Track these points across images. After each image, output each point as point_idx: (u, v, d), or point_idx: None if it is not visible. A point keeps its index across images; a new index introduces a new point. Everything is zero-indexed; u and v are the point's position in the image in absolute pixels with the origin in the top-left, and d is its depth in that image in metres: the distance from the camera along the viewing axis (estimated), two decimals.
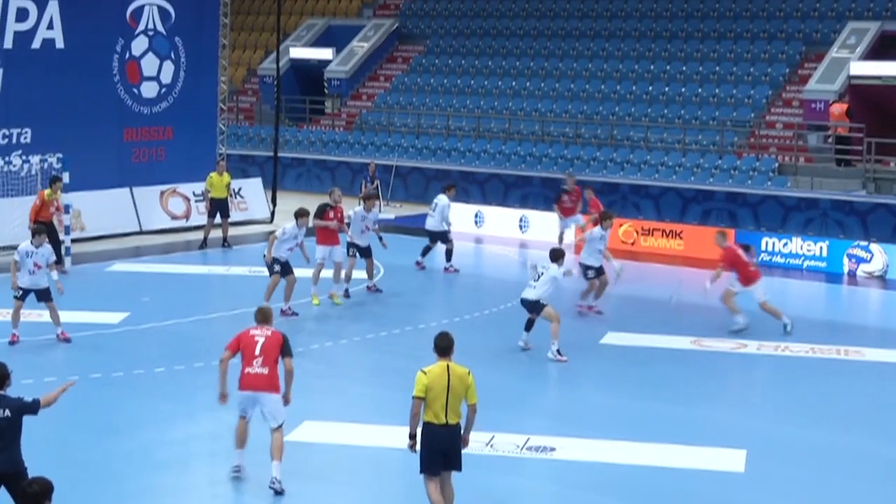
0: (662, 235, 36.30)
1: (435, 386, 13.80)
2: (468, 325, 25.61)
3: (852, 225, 35.65)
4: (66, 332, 22.64)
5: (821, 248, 34.00)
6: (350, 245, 27.45)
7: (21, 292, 22.31)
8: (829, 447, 18.37)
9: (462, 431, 14.11)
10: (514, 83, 46.60)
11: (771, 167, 39.15)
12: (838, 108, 39.56)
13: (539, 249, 35.59)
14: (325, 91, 51.42)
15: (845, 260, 33.25)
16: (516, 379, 21.08)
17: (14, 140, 33.49)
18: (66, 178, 30.47)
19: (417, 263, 31.81)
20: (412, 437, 14.04)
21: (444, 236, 31.63)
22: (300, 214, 24.92)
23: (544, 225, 37.15)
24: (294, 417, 18.26)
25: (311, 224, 25.59)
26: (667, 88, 43.40)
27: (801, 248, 34.18)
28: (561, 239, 34.54)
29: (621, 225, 36.30)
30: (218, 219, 33.56)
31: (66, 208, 30.50)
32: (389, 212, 41.57)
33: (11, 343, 22.19)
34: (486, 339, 24.33)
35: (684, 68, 43.91)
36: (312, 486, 15.89)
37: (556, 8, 49.29)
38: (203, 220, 34.52)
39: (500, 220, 38.27)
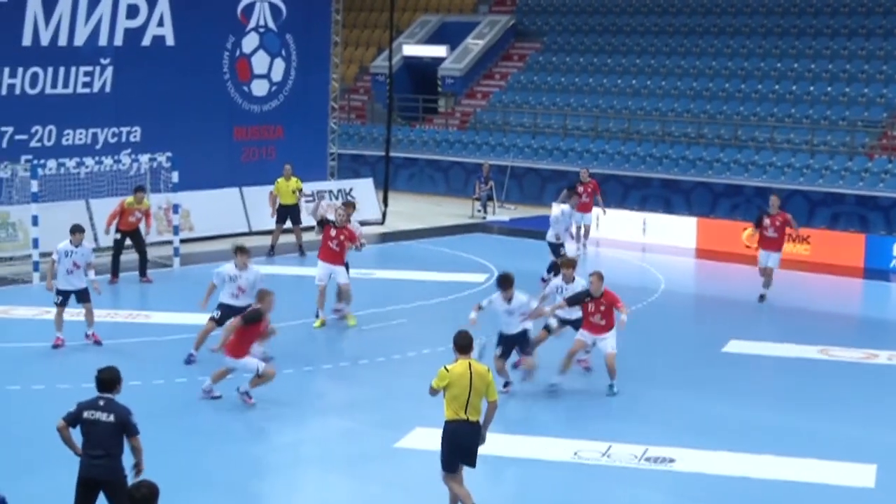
0: (788, 240, 35.86)
1: (456, 384, 14.09)
2: None
3: None
4: (98, 334, 22.49)
5: None
6: None
7: (60, 297, 22.12)
8: None
9: (481, 428, 14.39)
10: (633, 81, 46.37)
11: None
12: None
13: (660, 254, 35.49)
14: (439, 89, 51.52)
15: None
16: (634, 387, 20.95)
17: (124, 138, 34.02)
18: (174, 177, 30.82)
19: (543, 280, 28.55)
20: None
21: (556, 250, 29.50)
22: (238, 251, 21.60)
23: (665, 228, 36.95)
24: (406, 424, 18.37)
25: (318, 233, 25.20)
26: (794, 87, 42.92)
27: None
28: (577, 236, 34.45)
29: (745, 229, 35.94)
30: (289, 224, 33.38)
31: (175, 208, 30.84)
32: (503, 214, 41.58)
33: (55, 346, 22.12)
34: None
35: (813, 66, 43.38)
36: (420, 492, 15.88)
37: (678, 4, 48.95)
38: (311, 221, 34.56)
39: (619, 223, 38.04)
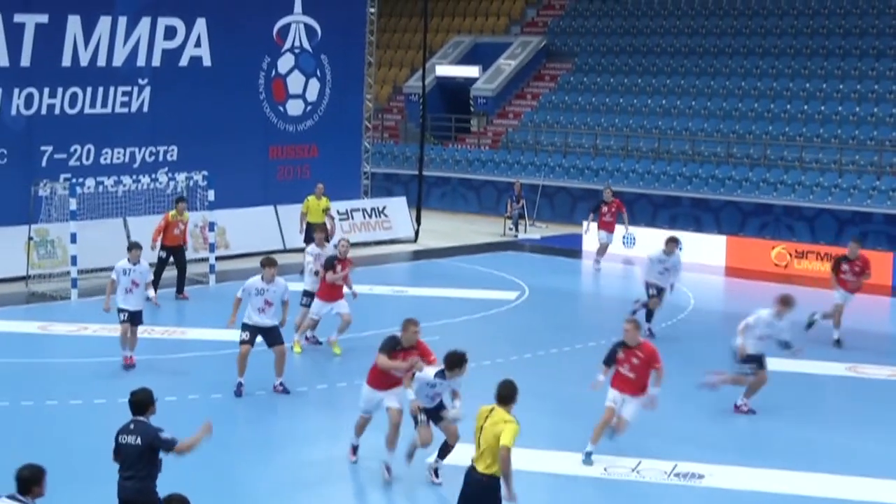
0: (817, 258, 35.71)
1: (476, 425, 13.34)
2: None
3: None
4: (135, 357, 22.10)
5: None
6: (305, 294, 24.40)
7: (125, 315, 21.77)
8: None
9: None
10: (663, 101, 46.27)
11: None
12: None
13: (689, 272, 35.33)
14: (472, 109, 51.55)
15: None
16: (664, 404, 20.83)
17: (161, 157, 34.14)
18: (210, 195, 30.89)
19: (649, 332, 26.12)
20: None
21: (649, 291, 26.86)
22: (266, 264, 21.12)
23: (695, 246, 36.79)
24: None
25: (325, 277, 23.41)
26: (823, 107, 42.75)
27: None
28: (603, 251, 34.54)
29: (774, 247, 35.84)
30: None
31: (211, 226, 30.90)
32: (535, 232, 41.51)
33: (127, 367, 21.90)
34: None
35: (842, 86, 43.21)
36: None
37: (708, 25, 48.85)
38: (360, 237, 34.58)
39: (650, 241, 37.87)
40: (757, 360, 21.00)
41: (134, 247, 22.33)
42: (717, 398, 21.91)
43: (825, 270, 34.59)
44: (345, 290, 23.77)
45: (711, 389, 20.74)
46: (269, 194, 36.09)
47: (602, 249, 35.16)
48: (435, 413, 16.61)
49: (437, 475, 16.71)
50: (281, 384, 20.79)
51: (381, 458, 16.77)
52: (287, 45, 37.24)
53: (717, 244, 37.24)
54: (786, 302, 21.29)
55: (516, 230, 41.34)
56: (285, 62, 37.29)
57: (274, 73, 37.00)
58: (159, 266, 28.59)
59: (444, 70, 52.19)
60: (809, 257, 35.77)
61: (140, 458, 12.39)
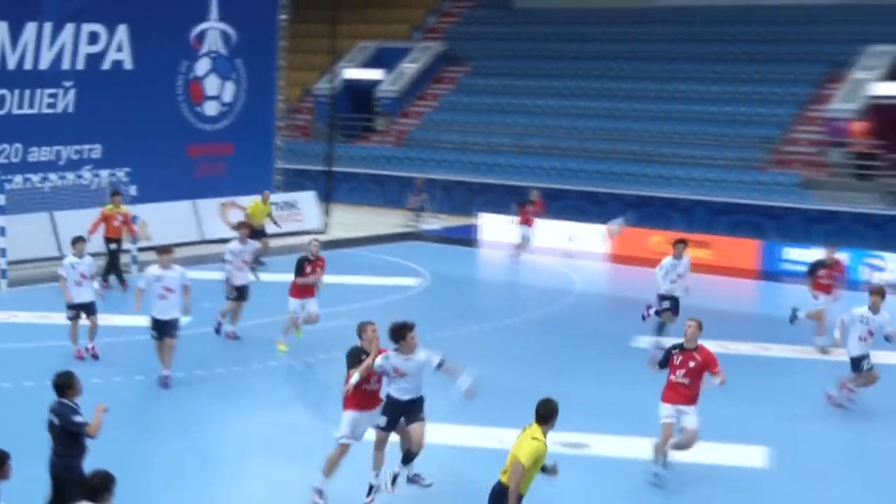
0: (692, 246, 36.18)
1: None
2: (506, 330, 25.63)
3: (870, 236, 35.46)
4: (97, 349, 21.57)
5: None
6: (233, 287, 23.76)
7: (72, 312, 21.35)
8: (848, 444, 18.25)
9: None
10: (553, 102, 46.59)
11: (795, 181, 38.99)
12: (859, 127, 39.45)
13: (578, 259, 35.68)
14: (376, 109, 51.55)
15: (863, 269, 33.11)
16: (552, 379, 21.03)
17: (85, 155, 33.78)
18: (133, 190, 30.68)
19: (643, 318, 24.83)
20: None
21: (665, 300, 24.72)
22: (162, 252, 20.63)
23: (583, 236, 37.19)
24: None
25: (296, 280, 22.87)
26: (697, 107, 43.31)
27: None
28: (523, 244, 34.70)
29: (652, 236, 36.29)
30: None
31: (134, 219, 30.72)
32: (435, 223, 41.66)
33: (79, 358, 21.25)
34: (529, 344, 24.38)
35: (714, 88, 43.81)
36: (363, 480, 15.88)
37: (595, 31, 49.28)
38: (273, 228, 34.39)
39: (543, 232, 38.16)
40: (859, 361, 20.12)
41: (78, 241, 21.82)
42: (600, 374, 22.16)
43: (700, 257, 35.14)
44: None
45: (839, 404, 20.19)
46: (188, 190, 35.86)
47: (522, 244, 35.25)
48: (410, 409, 14.70)
49: (393, 483, 14.78)
50: (166, 376, 20.02)
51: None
52: (204, 49, 37.05)
53: (601, 233, 37.63)
54: (880, 293, 20.41)
55: (418, 222, 41.45)
56: (202, 66, 37.11)
57: (192, 76, 36.80)
58: (112, 258, 28.30)
59: (351, 73, 52.13)
60: (688, 245, 36.21)
61: (60, 437, 12.31)
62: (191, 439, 17.62)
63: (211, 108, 37.51)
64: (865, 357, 20.05)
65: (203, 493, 15.53)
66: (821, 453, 17.89)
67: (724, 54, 45.22)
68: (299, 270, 22.83)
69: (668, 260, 24.58)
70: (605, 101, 45.54)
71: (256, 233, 33.12)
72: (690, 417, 15.99)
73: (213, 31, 37.22)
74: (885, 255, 33.59)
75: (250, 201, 33.80)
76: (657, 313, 24.10)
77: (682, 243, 24.99)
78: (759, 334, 25.94)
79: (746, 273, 34.77)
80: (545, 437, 12.21)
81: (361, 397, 14.91)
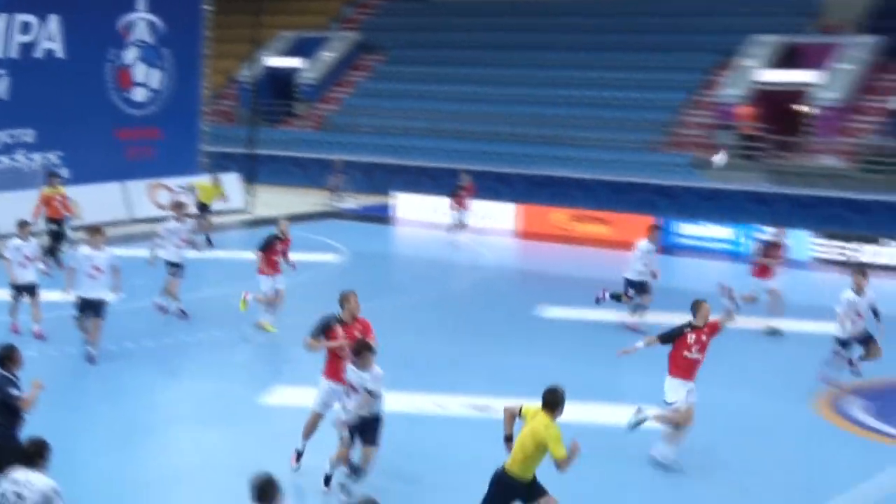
0: (593, 222, 36.63)
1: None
2: (423, 302, 25.75)
3: (757, 211, 35.97)
4: (43, 330, 21.07)
5: (730, 232, 34.54)
6: (169, 264, 23.27)
7: (15, 292, 21.03)
8: (719, 404, 18.51)
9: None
10: (465, 89, 46.65)
11: (687, 162, 39.47)
12: (745, 111, 40.04)
13: (488, 235, 35.86)
14: (297, 96, 51.35)
15: (750, 242, 33.63)
16: (462, 345, 21.16)
17: (19, 140, 33.40)
18: (65, 173, 30.39)
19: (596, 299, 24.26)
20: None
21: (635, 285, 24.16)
22: (92, 232, 20.19)
23: (492, 214, 37.44)
24: (268, 384, 18.42)
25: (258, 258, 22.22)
26: (602, 93, 43.55)
27: (714, 233, 34.73)
28: (459, 226, 34.92)
29: (557, 213, 36.67)
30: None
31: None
32: (353, 203, 41.64)
33: (14, 332, 20.77)
34: (440, 314, 24.52)
35: (613, 75, 44.08)
36: (285, 441, 15.94)
37: (504, 23, 49.42)
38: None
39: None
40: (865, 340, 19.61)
41: (24, 224, 21.47)
42: (506, 341, 22.33)
43: (600, 232, 35.59)
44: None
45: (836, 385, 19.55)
46: (118, 172, 35.55)
47: (457, 226, 35.44)
48: (364, 428, 13.75)
49: (326, 483, 13.91)
50: (91, 352, 19.66)
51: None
52: (132, 38, 36.74)
53: (509, 211, 37.91)
54: (861, 272, 19.95)
55: (337, 201, 41.40)
56: (130, 54, 36.79)
57: (120, 63, 36.48)
58: (55, 238, 27.93)
59: (273, 61, 51.85)
60: (587, 221, 36.67)
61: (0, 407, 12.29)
62: (120, 409, 17.54)
63: (139, 95, 37.20)
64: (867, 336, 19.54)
65: (133, 459, 15.48)
66: (706, 414, 18.12)
67: (621, 44, 45.56)
68: (269, 248, 22.35)
69: (645, 244, 24.02)
70: (513, 87, 45.69)
71: (203, 211, 33.24)
72: (694, 393, 15.72)
73: (141, 21, 36.90)
74: (770, 229, 34.03)
75: (179, 181, 33.62)
76: (613, 297, 23.67)
77: (656, 228, 24.90)
78: (655, 304, 26.17)
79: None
80: (554, 422, 11.87)
81: (339, 368, 14.27)
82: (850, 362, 19.56)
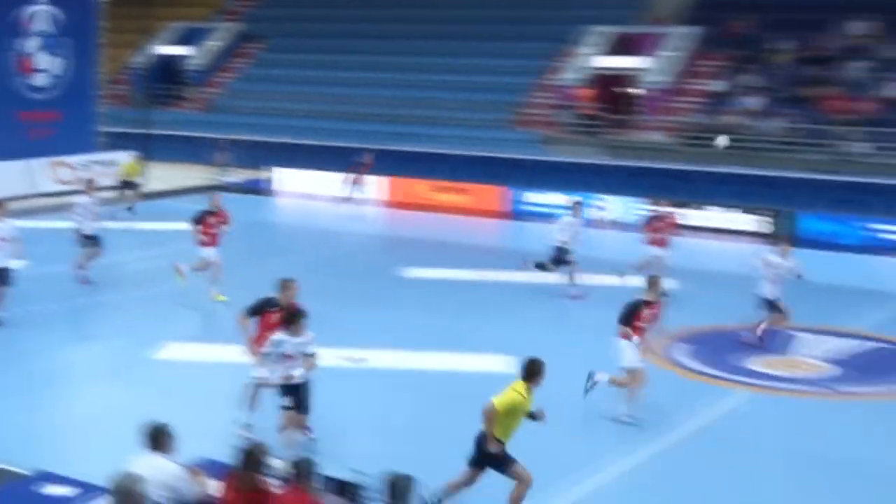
0: (453, 192, 36.90)
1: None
2: (300, 265, 25.74)
3: (595, 182, 36.38)
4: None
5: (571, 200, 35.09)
6: (84, 236, 22.57)
7: None
8: (573, 349, 18.88)
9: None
10: (338, 74, 46.39)
11: (536, 138, 39.87)
12: (584, 93, 40.58)
13: (365, 205, 35.88)
14: (185, 80, 50.62)
15: (591, 209, 34.20)
16: (334, 305, 21.16)
17: None
18: None
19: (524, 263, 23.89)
20: None
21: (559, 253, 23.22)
22: None
23: (370, 186, 37.47)
24: (158, 341, 18.28)
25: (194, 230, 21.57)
26: (456, 77, 43.63)
27: (561, 201, 35.20)
28: (351, 198, 35.17)
29: (418, 184, 36.85)
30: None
31: None
32: (237, 177, 41.24)
33: None
34: (316, 276, 24.51)
35: (470, 61, 44.16)
36: (176, 392, 15.87)
37: (373, 13, 49.33)
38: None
39: (329, 183, 38.23)
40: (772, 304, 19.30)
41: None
42: (376, 300, 22.43)
43: (459, 202, 35.90)
44: None
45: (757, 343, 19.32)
46: (21, 150, 34.71)
47: (351, 198, 35.79)
48: (297, 393, 13.18)
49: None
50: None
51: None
52: (35, 28, 35.91)
53: (382, 184, 37.96)
54: (788, 239, 19.81)
55: (222, 175, 40.93)
56: (33, 43, 35.97)
57: (23, 51, 35.64)
58: None
59: (163, 50, 51.00)
60: (448, 191, 36.95)
61: None
62: (24, 367, 17.25)
63: (41, 80, 36.38)
64: (778, 299, 19.36)
65: (32, 410, 15.30)
66: (553, 360, 18.45)
67: (479, 33, 45.70)
68: (201, 221, 21.62)
69: (568, 217, 23.52)
70: (383, 73, 45.53)
71: (128, 185, 33.00)
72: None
73: (42, 12, 36.05)
74: (607, 197, 34.72)
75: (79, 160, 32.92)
76: (538, 266, 23.16)
77: (579, 204, 24.43)
78: (508, 264, 26.46)
79: (497, 214, 35.57)
80: (529, 393, 11.45)
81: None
82: (762, 333, 19.51)
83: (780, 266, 19.27)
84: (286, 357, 13.03)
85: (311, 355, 13.29)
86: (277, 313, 13.84)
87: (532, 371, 11.45)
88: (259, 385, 13.62)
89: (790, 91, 37.91)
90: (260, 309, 14.24)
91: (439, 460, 12.38)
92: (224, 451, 9.72)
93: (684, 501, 12.85)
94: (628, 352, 15.31)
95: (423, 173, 38.71)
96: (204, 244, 21.50)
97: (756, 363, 18.39)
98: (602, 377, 15.32)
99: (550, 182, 37.03)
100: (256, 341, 13.92)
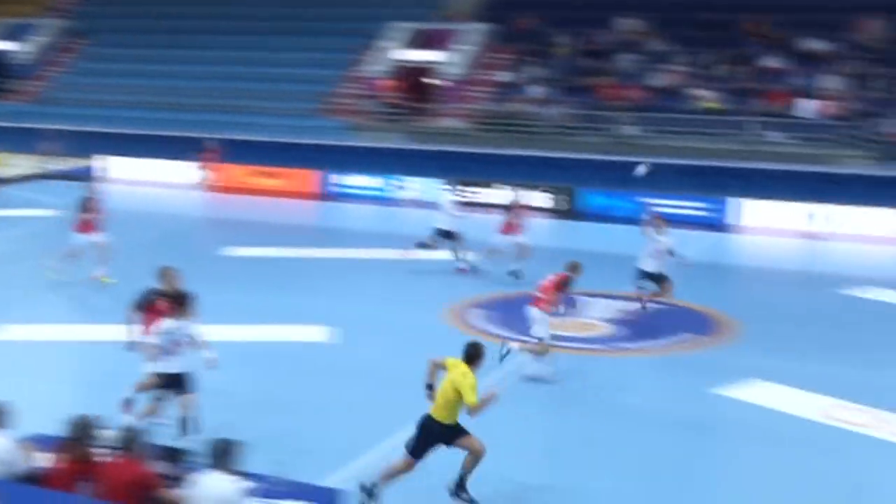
0: (267, 176, 36.27)
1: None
2: (124, 248, 24.82)
3: (400, 165, 36.23)
4: None
5: (379, 182, 34.97)
6: None
7: None
8: (392, 319, 18.72)
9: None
10: (161, 67, 44.86)
11: (345, 126, 39.44)
12: (388, 84, 40.34)
13: (187, 190, 34.84)
14: (13, 74, 48.17)
15: (392, 189, 34.24)
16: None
17: None
18: None
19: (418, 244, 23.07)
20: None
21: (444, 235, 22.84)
22: None
23: (182, 171, 36.44)
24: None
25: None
26: (270, 70, 42.77)
27: (368, 183, 35.04)
28: (203, 184, 34.30)
29: (236, 170, 36.05)
30: None
31: None
32: (66, 165, 39.50)
33: None
34: (144, 257, 23.65)
35: (289, 55, 43.28)
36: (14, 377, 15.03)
37: (193, 10, 47.87)
38: None
39: (154, 169, 37.07)
40: (657, 278, 18.99)
41: None
42: (200, 277, 21.76)
43: (273, 185, 35.31)
44: None
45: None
46: None
47: (201, 183, 34.96)
48: (175, 381, 12.16)
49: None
50: None
51: None
52: None
53: (193, 169, 36.97)
54: (662, 220, 19.29)
55: (51, 163, 39.13)
56: None
57: None
58: None
59: None
60: (264, 175, 36.34)
61: None
62: None
63: None
64: (661, 273, 18.98)
65: None
66: (370, 328, 18.29)
67: (291, 29, 44.84)
68: (85, 209, 20.61)
69: (448, 200, 22.67)
70: (203, 65, 44.20)
71: None
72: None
73: None
74: (409, 178, 34.66)
75: None
76: (419, 245, 22.51)
77: (448, 190, 23.65)
78: (325, 241, 26.18)
79: (311, 196, 35.12)
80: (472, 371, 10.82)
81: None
82: (641, 298, 19.32)
83: (660, 242, 18.99)
84: (176, 345, 12.05)
85: (202, 341, 12.21)
86: (164, 301, 12.86)
87: (474, 354, 10.92)
88: (153, 376, 12.30)
89: (570, 81, 38.53)
90: (146, 300, 13.22)
91: (277, 425, 12.20)
92: (58, 427, 9.19)
93: (486, 458, 12.72)
94: (540, 322, 15.25)
95: (242, 159, 37.83)
96: (82, 230, 20.48)
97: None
98: (514, 345, 15.07)
99: (359, 166, 36.74)
100: (147, 333, 12.75)
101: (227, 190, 35.34)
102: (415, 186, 34.52)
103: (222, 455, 8.89)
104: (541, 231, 22.85)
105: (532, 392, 15.05)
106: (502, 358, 14.27)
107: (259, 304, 19.69)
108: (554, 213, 32.42)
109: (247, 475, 8.97)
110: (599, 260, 23.18)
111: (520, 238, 22.36)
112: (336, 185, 35.66)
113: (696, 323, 19.07)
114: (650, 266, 19.09)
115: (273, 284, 21.55)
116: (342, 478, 11.19)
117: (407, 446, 10.86)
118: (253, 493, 8.86)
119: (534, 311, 15.41)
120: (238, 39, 45.19)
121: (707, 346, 17.66)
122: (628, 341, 17.88)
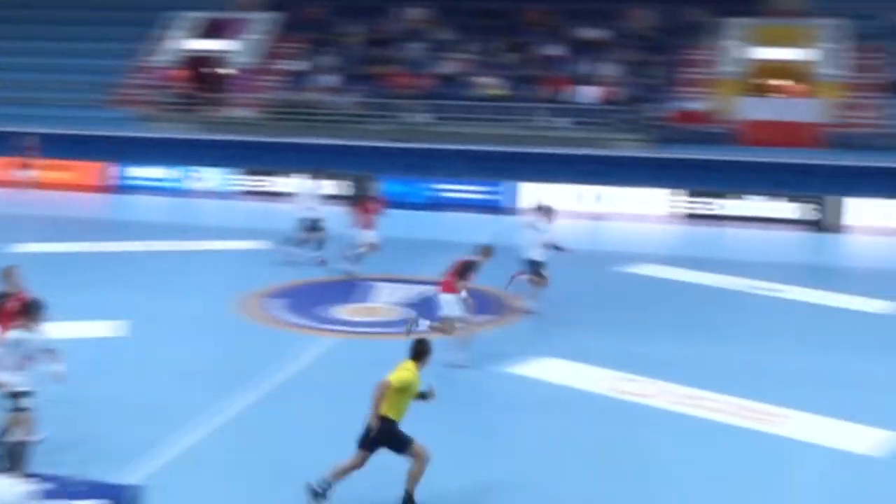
0: (57, 170, 35.05)
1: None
2: None
3: (193, 155, 35.54)
4: None
5: (173, 173, 34.28)
6: None
7: None
8: (171, 311, 18.47)
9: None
10: None
11: (134, 116, 38.42)
12: (178, 73, 39.59)
13: None
14: None
15: (187, 180, 33.64)
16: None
17: None
18: None
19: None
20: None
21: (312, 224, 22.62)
22: None
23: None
24: None
25: None
26: (55, 61, 41.12)
27: (163, 174, 34.33)
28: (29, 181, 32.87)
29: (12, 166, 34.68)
30: None
31: None
32: None
33: None
34: None
35: (78, 46, 41.65)
36: None
37: None
38: None
39: None
40: (540, 266, 18.53)
41: None
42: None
43: (66, 178, 34.12)
44: None
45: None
46: None
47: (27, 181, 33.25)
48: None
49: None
50: None
51: None
52: None
53: None
54: (546, 210, 18.77)
55: None
56: None
57: None
58: None
59: None
60: (55, 168, 35.03)
61: None
62: None
63: None
64: (542, 263, 18.68)
65: None
66: (159, 321, 17.98)
67: (79, 19, 43.23)
68: None
69: (308, 187, 22.35)
70: None
71: None
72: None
73: None
74: (203, 168, 34.19)
75: None
76: (287, 240, 22.26)
77: (315, 178, 22.78)
78: (117, 235, 25.44)
79: (102, 189, 34.13)
80: (418, 371, 10.67)
81: None
82: (514, 278, 18.95)
83: (546, 231, 18.71)
84: (26, 358, 10.62)
85: (53, 351, 11.06)
86: (13, 303, 11.63)
87: (420, 351, 10.77)
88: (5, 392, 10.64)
89: (360, 69, 38.73)
90: None
91: (74, 424, 11.99)
92: None
93: (279, 447, 12.69)
94: (452, 303, 15.46)
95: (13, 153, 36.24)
96: None
97: (340, 311, 18.71)
98: (423, 322, 15.20)
99: (151, 157, 35.93)
100: None
101: (9, 185, 33.85)
102: (208, 177, 34.02)
103: (14, 458, 8.68)
104: (338, 219, 22.96)
105: (328, 380, 15.20)
106: (408, 332, 14.39)
107: (47, 301, 18.99)
108: (347, 200, 32.59)
109: (40, 477, 8.77)
110: (395, 245, 23.49)
111: (371, 233, 21.57)
112: (129, 177, 34.73)
113: (485, 304, 19.65)
114: (537, 255, 18.72)
115: (62, 281, 20.80)
116: (142, 475, 11.06)
117: (359, 441, 10.66)
118: (45, 494, 8.66)
119: (442, 296, 15.68)
120: (26, 29, 43.21)
121: (496, 326, 18.20)
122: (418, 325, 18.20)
